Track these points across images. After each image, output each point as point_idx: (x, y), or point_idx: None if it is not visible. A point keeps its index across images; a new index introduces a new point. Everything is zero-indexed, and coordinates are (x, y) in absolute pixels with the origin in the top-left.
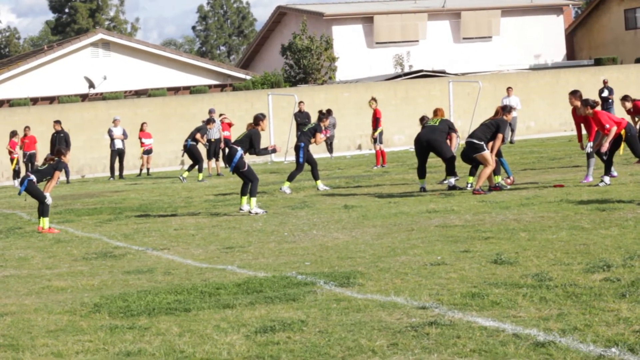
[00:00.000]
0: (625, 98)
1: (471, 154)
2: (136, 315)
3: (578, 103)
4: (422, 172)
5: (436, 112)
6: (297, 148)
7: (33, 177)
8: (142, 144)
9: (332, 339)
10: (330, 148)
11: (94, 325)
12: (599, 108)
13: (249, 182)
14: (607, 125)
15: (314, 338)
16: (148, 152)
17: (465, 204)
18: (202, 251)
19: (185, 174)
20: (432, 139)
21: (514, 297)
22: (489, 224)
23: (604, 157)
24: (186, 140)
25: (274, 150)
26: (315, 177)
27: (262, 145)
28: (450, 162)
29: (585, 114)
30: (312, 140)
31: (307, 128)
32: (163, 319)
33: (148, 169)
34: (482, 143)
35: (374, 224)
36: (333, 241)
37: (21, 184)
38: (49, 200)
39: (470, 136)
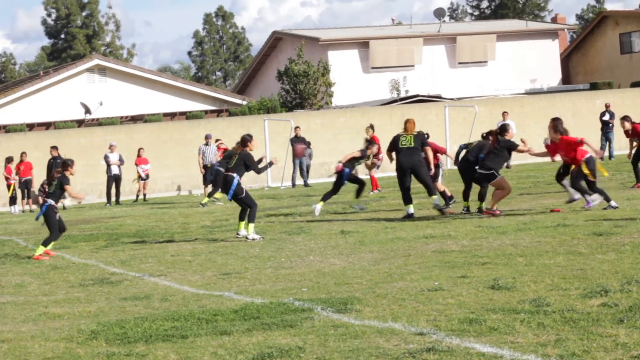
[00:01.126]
0: (625, 118)
1: (486, 182)
2: (133, 342)
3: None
4: (408, 198)
5: (406, 126)
6: (340, 172)
7: (51, 202)
8: (137, 172)
9: None
10: (306, 175)
11: (91, 353)
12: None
13: (247, 208)
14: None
15: None
16: (145, 177)
17: (462, 229)
18: (199, 277)
19: (205, 200)
20: (414, 165)
21: (511, 323)
22: (486, 249)
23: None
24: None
25: (271, 163)
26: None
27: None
28: (430, 185)
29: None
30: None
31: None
32: (160, 345)
33: (145, 195)
34: (493, 171)
35: (370, 250)
36: (330, 267)
37: (41, 207)
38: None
39: (481, 167)
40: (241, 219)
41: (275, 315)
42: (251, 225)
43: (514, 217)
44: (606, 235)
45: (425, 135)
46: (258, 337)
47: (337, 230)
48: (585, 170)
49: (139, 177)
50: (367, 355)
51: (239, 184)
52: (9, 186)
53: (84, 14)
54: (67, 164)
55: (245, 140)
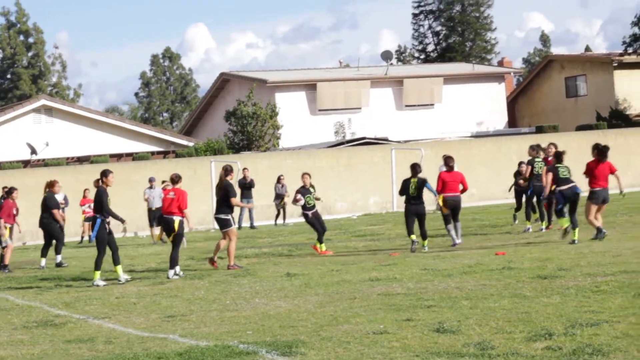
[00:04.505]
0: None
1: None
2: None
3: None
4: (412, 230)
5: (414, 171)
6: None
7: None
8: (83, 211)
9: None
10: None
11: None
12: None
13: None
14: None
15: None
16: (89, 219)
17: (407, 272)
18: (144, 320)
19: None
20: (421, 213)
21: None
22: (432, 292)
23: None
24: None
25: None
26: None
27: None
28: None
29: None
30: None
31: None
32: None
33: (90, 237)
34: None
35: (316, 292)
36: (275, 309)
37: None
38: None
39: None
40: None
41: (219, 358)
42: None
43: (459, 260)
44: (550, 279)
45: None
46: None
47: (283, 273)
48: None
49: (85, 216)
50: None
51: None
52: None
53: (30, 54)
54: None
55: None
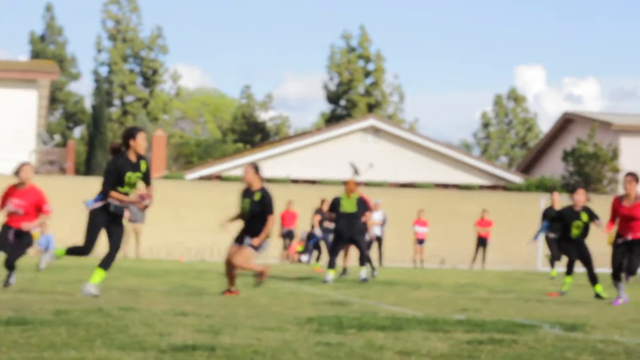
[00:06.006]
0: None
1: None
2: None
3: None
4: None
5: (348, 188)
6: None
7: None
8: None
9: None
10: None
11: None
12: None
13: None
14: None
15: None
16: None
17: None
18: None
19: None
20: (354, 234)
21: None
22: None
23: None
24: None
25: None
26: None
27: None
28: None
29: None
30: None
31: None
32: None
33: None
34: None
35: None
36: None
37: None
38: None
39: None
40: None
41: None
42: None
43: None
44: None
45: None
46: None
47: None
48: None
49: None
50: None
51: None
52: None
53: (368, 81)
54: None
55: None
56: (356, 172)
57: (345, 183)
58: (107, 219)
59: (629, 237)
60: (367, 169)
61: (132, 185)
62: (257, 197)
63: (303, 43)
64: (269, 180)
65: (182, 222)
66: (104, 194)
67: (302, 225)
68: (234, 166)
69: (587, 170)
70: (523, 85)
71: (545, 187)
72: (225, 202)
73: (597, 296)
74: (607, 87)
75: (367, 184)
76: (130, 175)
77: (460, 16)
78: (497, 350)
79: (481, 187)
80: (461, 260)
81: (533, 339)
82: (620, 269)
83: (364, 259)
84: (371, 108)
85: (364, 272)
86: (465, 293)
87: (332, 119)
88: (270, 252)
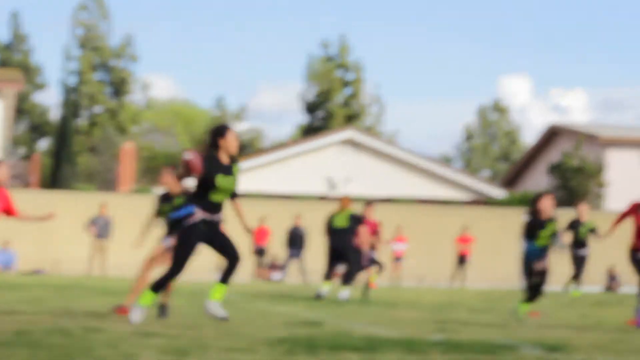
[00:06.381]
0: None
1: None
2: None
3: None
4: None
5: (342, 204)
6: None
7: None
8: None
9: None
10: None
11: None
12: None
13: None
14: None
15: None
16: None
17: None
18: None
19: None
20: (345, 249)
21: None
22: None
23: None
24: None
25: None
26: None
27: None
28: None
29: None
30: None
31: None
32: None
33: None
34: None
35: None
36: None
37: None
38: None
39: None
40: None
41: None
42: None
43: None
44: None
45: None
46: None
47: None
48: None
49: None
50: None
51: None
52: None
53: (346, 92)
54: None
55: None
56: (333, 186)
57: (340, 199)
58: (205, 232)
59: None
60: (345, 183)
61: (226, 193)
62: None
63: (278, 53)
64: (242, 196)
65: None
66: (195, 204)
67: (276, 244)
68: None
69: (573, 184)
70: (508, 96)
71: (528, 201)
72: None
73: (515, 314)
74: (595, 98)
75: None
76: (222, 180)
77: (444, 24)
78: None
79: (462, 202)
80: (440, 278)
81: None
82: None
83: (348, 277)
84: (350, 119)
85: (346, 292)
86: (443, 313)
87: (309, 131)
88: (242, 270)
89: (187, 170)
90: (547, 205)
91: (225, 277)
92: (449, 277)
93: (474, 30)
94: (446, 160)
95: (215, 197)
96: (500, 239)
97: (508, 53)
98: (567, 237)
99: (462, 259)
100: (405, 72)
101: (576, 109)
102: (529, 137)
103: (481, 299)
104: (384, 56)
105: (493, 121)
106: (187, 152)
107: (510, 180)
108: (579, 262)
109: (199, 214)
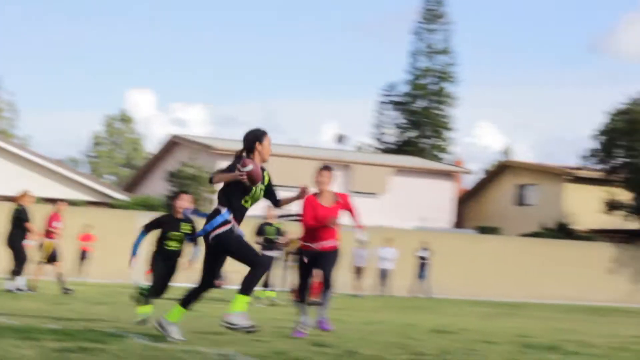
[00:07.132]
0: None
1: None
2: None
3: None
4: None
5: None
6: None
7: None
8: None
9: None
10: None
11: None
12: None
13: None
14: None
15: None
16: None
17: None
18: None
19: None
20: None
21: None
22: None
23: None
24: None
25: None
26: None
27: None
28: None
29: None
30: None
31: None
32: None
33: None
34: None
35: None
36: None
37: None
38: None
39: None
40: None
41: None
42: None
43: None
44: None
45: None
46: None
47: None
48: None
49: None
50: None
51: None
52: None
53: None
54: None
55: None
56: None
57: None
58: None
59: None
60: None
61: (256, 200)
62: None
63: None
64: None
65: None
66: (228, 210)
67: None
68: None
69: (189, 190)
70: (134, 108)
71: (149, 205)
72: None
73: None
74: (213, 113)
75: None
76: (258, 188)
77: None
78: (85, 359)
79: (88, 203)
80: (66, 274)
81: (120, 348)
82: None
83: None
84: None
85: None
86: (62, 304)
87: None
88: None
89: (251, 180)
90: (182, 204)
91: (247, 287)
92: (73, 272)
93: (183, 42)
94: (74, 164)
95: (246, 204)
96: (120, 238)
97: (134, 68)
98: None
99: (83, 255)
100: (41, 83)
101: (195, 122)
102: (153, 147)
103: (99, 292)
104: (22, 64)
105: (119, 130)
106: (245, 162)
107: (131, 185)
108: None
109: (232, 222)
